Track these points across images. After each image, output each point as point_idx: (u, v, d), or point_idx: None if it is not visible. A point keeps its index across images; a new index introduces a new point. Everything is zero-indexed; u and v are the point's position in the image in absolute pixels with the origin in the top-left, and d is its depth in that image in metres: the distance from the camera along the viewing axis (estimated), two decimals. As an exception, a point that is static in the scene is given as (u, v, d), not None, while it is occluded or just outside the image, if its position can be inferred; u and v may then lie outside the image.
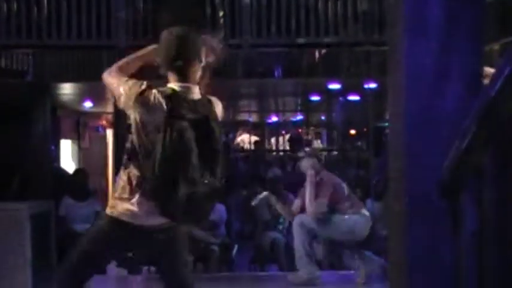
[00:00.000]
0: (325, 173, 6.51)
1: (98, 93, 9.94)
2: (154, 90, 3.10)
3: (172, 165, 2.94)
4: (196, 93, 3.18)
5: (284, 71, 7.35)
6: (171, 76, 3.21)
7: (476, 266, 1.67)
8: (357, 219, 6.27)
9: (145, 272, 7.63)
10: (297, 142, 11.46)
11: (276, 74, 7.42)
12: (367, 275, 6.25)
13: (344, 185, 6.49)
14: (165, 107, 3.01)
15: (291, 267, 7.45)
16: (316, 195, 6.24)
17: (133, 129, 3.16)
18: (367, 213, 6.43)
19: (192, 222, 3.47)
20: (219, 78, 8.00)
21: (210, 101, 3.23)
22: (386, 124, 11.74)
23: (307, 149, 7.18)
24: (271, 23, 7.12)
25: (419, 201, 1.90)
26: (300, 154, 6.84)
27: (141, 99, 3.09)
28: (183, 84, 3.14)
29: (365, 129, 12.41)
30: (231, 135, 19.08)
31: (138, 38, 7.02)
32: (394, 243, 2.11)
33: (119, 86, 3.22)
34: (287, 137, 16.71)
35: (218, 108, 3.24)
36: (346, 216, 6.25)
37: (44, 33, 6.82)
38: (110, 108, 12.07)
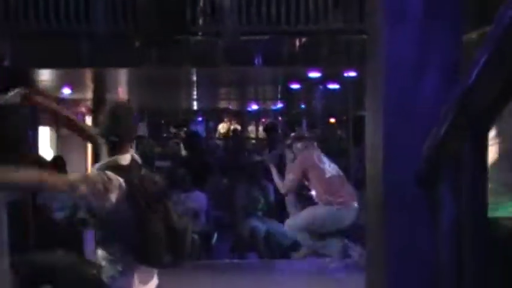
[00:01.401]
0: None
1: (77, 80, 9.86)
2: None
3: None
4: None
5: (264, 59, 7.34)
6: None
7: (455, 255, 1.68)
8: (337, 211, 6.21)
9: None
10: (272, 131, 11.48)
11: (256, 62, 7.41)
12: (342, 263, 6.27)
13: (326, 171, 6.37)
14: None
15: (270, 255, 7.49)
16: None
17: None
18: (355, 205, 6.34)
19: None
20: (200, 66, 7.98)
21: None
22: (366, 113, 11.82)
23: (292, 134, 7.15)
24: (251, 11, 7.11)
25: (396, 190, 1.91)
26: (288, 142, 6.79)
27: None
28: None
29: (345, 118, 12.46)
30: (211, 123, 19.06)
31: (118, 24, 6.97)
32: (371, 232, 2.12)
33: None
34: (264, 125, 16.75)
35: None
36: (323, 208, 6.20)
37: (21, 19, 6.74)
38: (89, 95, 11.99)
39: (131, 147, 3.62)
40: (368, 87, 2.13)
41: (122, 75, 9.55)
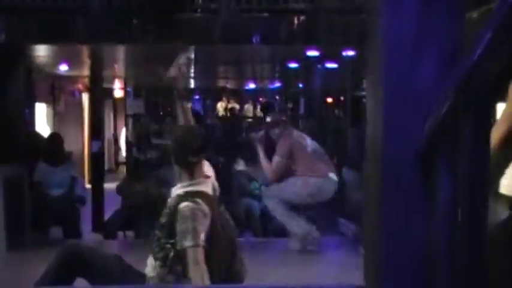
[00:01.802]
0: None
1: (74, 56, 9.80)
2: None
3: None
4: None
5: (262, 37, 7.29)
6: None
7: (451, 234, 1.68)
8: (317, 182, 6.18)
9: (121, 237, 7.64)
10: (269, 110, 11.47)
11: (254, 40, 7.36)
12: (313, 242, 6.23)
13: (308, 146, 6.34)
14: None
15: (266, 234, 7.51)
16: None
17: None
18: (334, 177, 6.34)
19: None
20: (197, 44, 7.93)
21: None
22: (364, 93, 11.76)
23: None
24: (250, -12, 7.06)
25: (395, 170, 1.91)
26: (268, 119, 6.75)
27: None
28: None
29: (342, 98, 12.43)
30: (208, 102, 19.01)
31: (116, 1, 6.91)
32: (369, 210, 2.11)
33: None
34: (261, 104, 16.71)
35: None
36: (302, 178, 6.15)
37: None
38: (86, 72, 11.93)
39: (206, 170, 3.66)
40: (367, 67, 2.11)
41: (119, 52, 9.49)
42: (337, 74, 10.69)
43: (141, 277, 3.50)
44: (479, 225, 1.51)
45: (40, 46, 8.23)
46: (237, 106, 17.45)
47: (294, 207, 6.22)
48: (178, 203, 3.35)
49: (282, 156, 6.18)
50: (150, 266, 3.46)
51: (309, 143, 6.38)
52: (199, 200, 3.35)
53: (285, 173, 6.23)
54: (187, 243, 3.24)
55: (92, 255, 3.56)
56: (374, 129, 2.01)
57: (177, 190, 3.54)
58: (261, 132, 6.62)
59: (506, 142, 2.07)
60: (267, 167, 6.27)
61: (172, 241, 3.33)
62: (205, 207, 3.33)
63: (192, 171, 3.52)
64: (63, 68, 10.90)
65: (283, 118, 6.69)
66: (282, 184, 6.22)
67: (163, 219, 3.42)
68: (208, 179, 3.60)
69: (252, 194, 7.73)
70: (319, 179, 6.16)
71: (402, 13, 1.91)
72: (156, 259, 3.41)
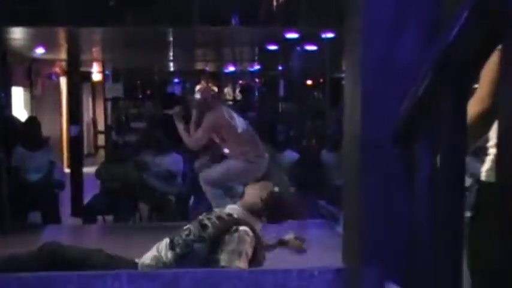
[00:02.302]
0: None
1: (51, 39, 9.68)
2: None
3: None
4: None
5: (241, 19, 7.25)
6: None
7: (431, 213, 1.68)
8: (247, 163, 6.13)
9: (100, 222, 7.61)
10: (248, 92, 11.44)
11: (233, 22, 7.31)
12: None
13: (238, 126, 6.22)
14: None
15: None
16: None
17: None
18: (266, 156, 6.24)
19: None
20: (176, 26, 7.87)
21: None
22: (343, 75, 11.78)
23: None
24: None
25: (374, 149, 1.90)
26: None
27: None
28: None
29: (322, 80, 12.44)
30: (187, 85, 18.93)
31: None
32: (348, 192, 2.11)
33: None
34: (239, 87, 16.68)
35: None
36: (241, 159, 6.09)
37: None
38: (63, 56, 11.80)
39: None
40: (346, 47, 2.10)
41: (97, 35, 9.39)
42: (316, 56, 10.69)
43: (131, 264, 3.51)
44: (457, 202, 1.52)
45: (16, 28, 8.11)
46: (215, 89, 17.39)
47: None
48: (237, 224, 3.55)
49: (203, 131, 6.08)
50: (152, 253, 3.55)
51: (239, 122, 6.26)
52: (253, 228, 3.61)
53: (214, 154, 6.23)
54: (239, 264, 3.42)
55: (73, 252, 3.54)
56: (352, 109, 2.01)
57: (234, 210, 3.73)
58: (179, 107, 6.45)
59: (478, 122, 2.09)
60: (186, 136, 6.16)
61: (208, 251, 3.47)
62: (253, 237, 3.58)
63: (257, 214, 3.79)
64: (40, 51, 10.76)
65: (212, 94, 6.51)
66: (218, 168, 6.20)
67: (210, 229, 3.53)
68: None
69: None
70: (253, 159, 6.10)
71: (380, -8, 1.90)
72: (172, 248, 3.52)
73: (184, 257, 3.47)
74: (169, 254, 3.50)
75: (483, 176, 2.15)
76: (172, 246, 3.52)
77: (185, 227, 3.60)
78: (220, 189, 6.16)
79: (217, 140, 6.18)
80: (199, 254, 3.46)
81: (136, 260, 3.57)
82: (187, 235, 3.52)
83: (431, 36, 1.89)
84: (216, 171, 6.19)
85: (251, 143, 6.16)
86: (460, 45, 1.32)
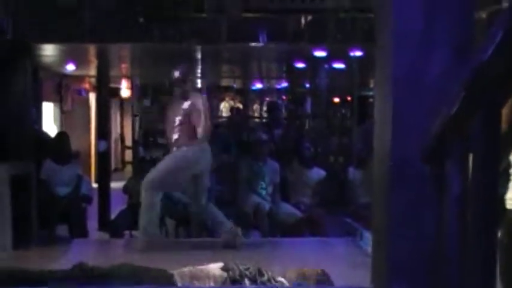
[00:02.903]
0: None
1: (81, 55, 9.81)
2: None
3: None
4: None
5: (269, 36, 7.27)
6: None
7: (459, 232, 1.66)
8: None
9: (127, 236, 7.63)
10: (273, 110, 11.43)
11: (260, 39, 7.34)
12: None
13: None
14: None
15: (273, 233, 7.48)
16: None
17: None
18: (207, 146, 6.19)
19: None
20: (204, 43, 7.93)
21: None
22: (371, 93, 11.73)
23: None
24: (257, -13, 7.04)
25: (403, 166, 1.89)
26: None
27: None
28: None
29: (349, 98, 12.40)
30: (214, 101, 19.00)
31: (122, 0, 6.91)
32: (377, 209, 2.10)
33: None
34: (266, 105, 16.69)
35: None
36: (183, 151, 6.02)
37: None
38: (93, 72, 11.94)
39: None
40: (376, 63, 2.10)
41: (126, 51, 9.50)
42: (344, 73, 10.67)
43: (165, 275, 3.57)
44: (489, 223, 1.50)
45: (47, 45, 8.24)
46: (240, 106, 17.45)
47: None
48: None
49: None
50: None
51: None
52: None
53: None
54: None
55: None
56: (382, 128, 2.00)
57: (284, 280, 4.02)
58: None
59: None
60: None
61: None
62: None
63: None
64: (70, 67, 10.91)
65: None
66: (159, 166, 6.23)
67: (265, 278, 3.86)
68: None
69: (259, 193, 7.71)
70: (194, 149, 6.05)
71: (411, 9, 1.90)
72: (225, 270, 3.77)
73: (233, 281, 3.60)
74: (217, 272, 3.58)
75: (509, 204, 2.12)
76: (226, 268, 3.64)
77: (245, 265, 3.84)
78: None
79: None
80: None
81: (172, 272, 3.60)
82: (246, 269, 3.75)
83: (461, 54, 1.88)
84: (159, 169, 6.15)
85: (190, 132, 6.10)
86: (493, 65, 1.31)
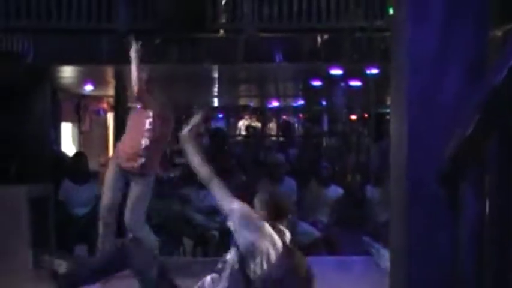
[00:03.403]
0: None
1: (99, 76, 9.91)
2: None
3: None
4: None
5: (285, 55, 7.31)
6: None
7: (475, 254, 1.65)
8: None
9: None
10: (287, 129, 11.43)
11: (277, 58, 7.38)
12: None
13: None
14: None
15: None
16: None
17: None
18: None
19: None
20: (220, 63, 7.98)
21: None
22: (387, 110, 11.71)
23: None
24: (273, 7, 7.08)
25: (419, 187, 1.89)
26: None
27: None
28: None
29: (366, 115, 12.39)
30: (231, 120, 19.06)
31: (138, 22, 6.99)
32: (394, 229, 2.10)
33: None
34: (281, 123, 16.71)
35: None
36: None
37: (43, 16, 6.77)
38: (110, 92, 12.04)
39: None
40: (392, 83, 2.11)
41: (143, 71, 9.57)
42: (360, 91, 10.67)
43: None
44: (505, 245, 1.49)
45: (66, 67, 8.34)
46: (259, 124, 17.47)
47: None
48: None
49: None
50: None
51: None
52: None
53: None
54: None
55: None
56: (399, 147, 2.00)
57: None
58: None
59: None
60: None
61: None
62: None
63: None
64: (88, 87, 11.02)
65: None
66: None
67: None
68: None
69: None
70: None
71: (426, 29, 1.91)
72: None
73: None
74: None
75: None
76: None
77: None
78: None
79: None
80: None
81: None
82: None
83: (476, 74, 1.88)
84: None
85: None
86: (508, 86, 1.31)
